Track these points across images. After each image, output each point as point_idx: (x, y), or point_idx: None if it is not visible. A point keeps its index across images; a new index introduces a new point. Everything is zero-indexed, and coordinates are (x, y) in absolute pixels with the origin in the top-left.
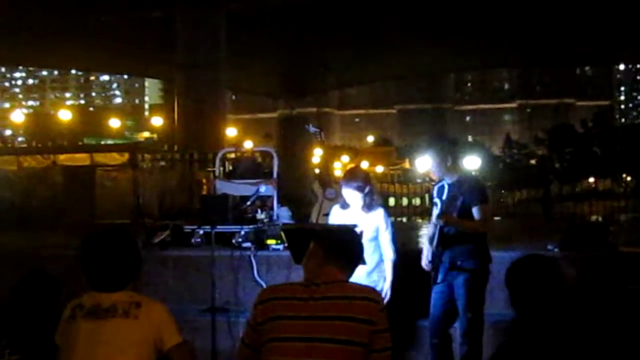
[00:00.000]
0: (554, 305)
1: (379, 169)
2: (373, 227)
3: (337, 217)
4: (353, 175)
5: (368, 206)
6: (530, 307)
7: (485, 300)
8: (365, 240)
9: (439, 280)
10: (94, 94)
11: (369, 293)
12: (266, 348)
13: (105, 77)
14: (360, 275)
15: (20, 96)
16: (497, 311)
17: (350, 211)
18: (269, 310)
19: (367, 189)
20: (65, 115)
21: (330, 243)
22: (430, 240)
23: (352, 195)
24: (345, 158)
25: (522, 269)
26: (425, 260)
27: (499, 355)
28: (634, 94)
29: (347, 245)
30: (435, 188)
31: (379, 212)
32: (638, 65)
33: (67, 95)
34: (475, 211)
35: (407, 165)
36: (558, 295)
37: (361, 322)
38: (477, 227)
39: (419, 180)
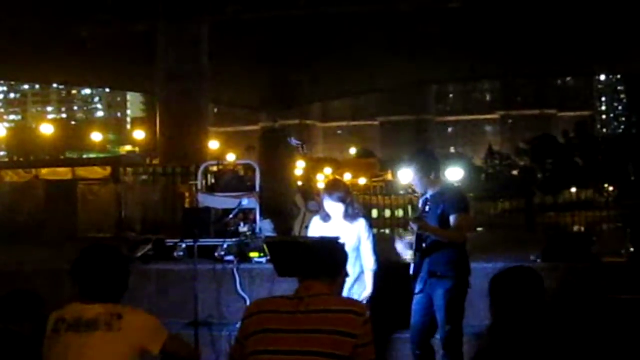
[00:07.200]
0: (536, 316)
1: (362, 181)
2: (355, 237)
3: (317, 229)
4: (335, 187)
5: (351, 216)
6: (513, 319)
7: (466, 311)
8: (347, 250)
9: (417, 290)
10: (75, 107)
11: (353, 306)
12: None
13: (87, 91)
14: None
15: (2, 110)
16: (478, 322)
17: (332, 223)
18: (255, 323)
19: (348, 200)
20: (47, 129)
21: (314, 256)
22: (410, 247)
23: (334, 207)
24: (327, 170)
25: (505, 281)
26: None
27: None
28: (615, 104)
29: (330, 258)
30: (420, 202)
31: (361, 222)
32: (619, 76)
33: (49, 109)
34: (452, 219)
35: (389, 177)
36: (540, 306)
37: (345, 335)
38: (451, 236)
39: (401, 192)
